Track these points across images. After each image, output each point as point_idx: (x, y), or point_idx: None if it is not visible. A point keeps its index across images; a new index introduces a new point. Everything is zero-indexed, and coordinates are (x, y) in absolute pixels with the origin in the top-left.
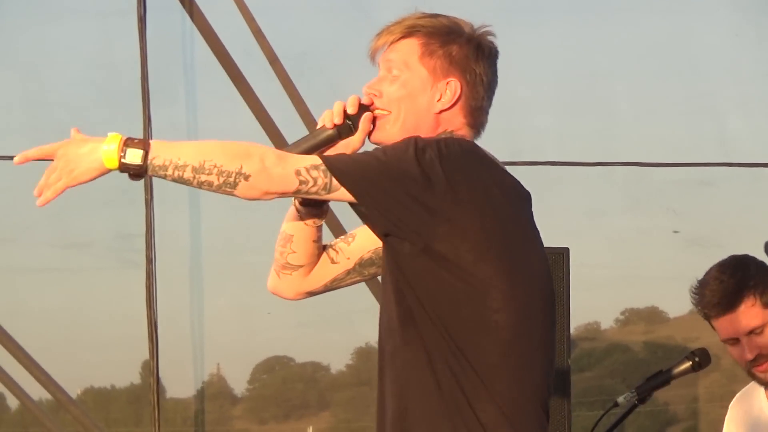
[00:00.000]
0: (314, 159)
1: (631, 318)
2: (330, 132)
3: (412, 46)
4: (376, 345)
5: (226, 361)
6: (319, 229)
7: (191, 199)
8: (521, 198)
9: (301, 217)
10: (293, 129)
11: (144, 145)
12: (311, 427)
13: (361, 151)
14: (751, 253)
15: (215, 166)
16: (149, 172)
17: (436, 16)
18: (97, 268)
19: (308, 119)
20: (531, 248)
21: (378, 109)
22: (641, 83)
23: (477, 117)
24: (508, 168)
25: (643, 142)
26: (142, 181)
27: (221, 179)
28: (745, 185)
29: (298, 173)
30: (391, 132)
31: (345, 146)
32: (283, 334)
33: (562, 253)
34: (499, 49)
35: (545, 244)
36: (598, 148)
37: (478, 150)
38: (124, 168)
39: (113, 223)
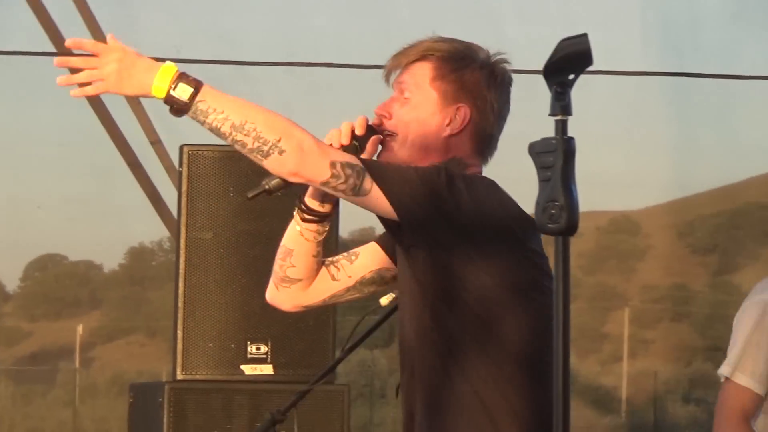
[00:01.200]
0: (351, 157)
1: None
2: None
3: (424, 69)
4: (149, 245)
5: None
6: (320, 244)
7: None
8: (533, 230)
9: (303, 232)
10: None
11: (196, 84)
12: (81, 326)
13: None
14: None
15: (255, 130)
16: (190, 113)
17: (452, 40)
18: None
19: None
20: (544, 279)
21: (386, 130)
22: None
23: (486, 144)
24: (283, 68)
25: None
26: None
27: (256, 144)
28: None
29: (333, 165)
30: (399, 154)
31: None
32: (55, 231)
33: None
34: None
35: None
36: (374, 51)
37: (498, 188)
38: (169, 99)
39: None
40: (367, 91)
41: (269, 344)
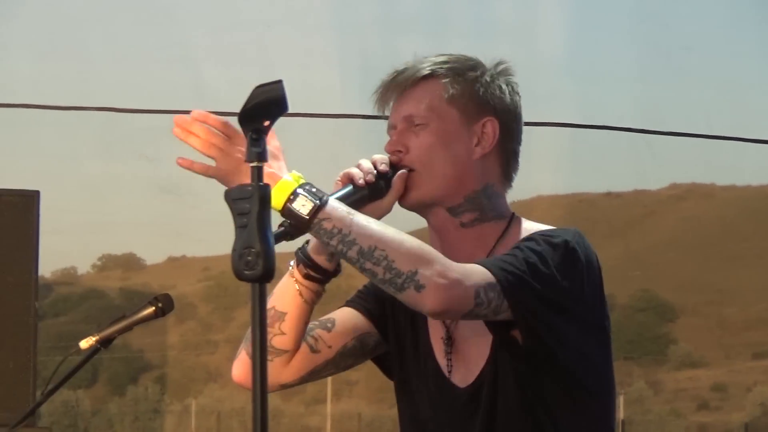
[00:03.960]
0: (489, 275)
1: (108, 264)
2: (363, 192)
3: (435, 87)
4: None
5: None
6: (312, 308)
7: None
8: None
9: (302, 291)
10: None
11: (320, 198)
12: None
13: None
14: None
15: (386, 258)
16: (312, 231)
17: (450, 54)
18: None
19: None
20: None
21: (407, 167)
22: (117, 29)
23: (513, 163)
24: None
25: (118, 87)
26: None
27: (387, 275)
28: None
29: (477, 294)
30: (429, 189)
31: (373, 209)
32: None
33: (33, 196)
34: None
35: (15, 186)
36: (73, 92)
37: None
38: (287, 213)
39: None
40: (66, 131)
41: None
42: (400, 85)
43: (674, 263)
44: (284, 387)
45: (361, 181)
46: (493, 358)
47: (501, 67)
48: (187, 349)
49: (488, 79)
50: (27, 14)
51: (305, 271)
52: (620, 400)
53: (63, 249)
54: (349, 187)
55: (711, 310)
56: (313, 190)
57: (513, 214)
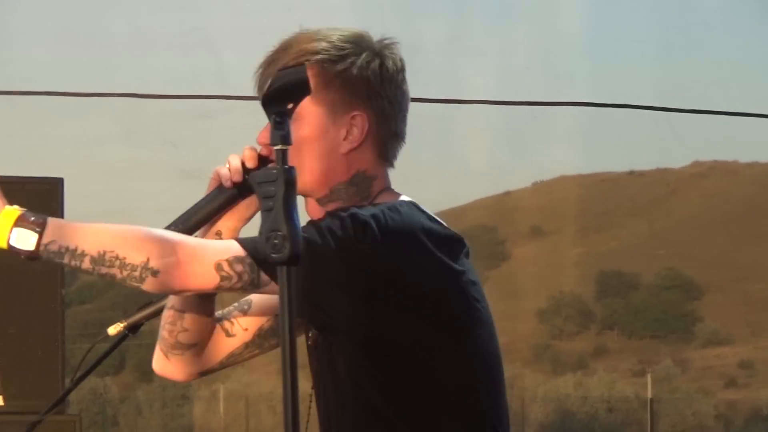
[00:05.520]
0: (235, 249)
1: None
2: (230, 193)
3: None
4: None
5: None
6: (214, 301)
7: None
8: (457, 251)
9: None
10: None
11: (40, 225)
12: None
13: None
14: None
15: (117, 258)
16: (44, 258)
17: (328, 35)
18: None
19: None
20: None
21: None
22: (138, 14)
23: (390, 146)
24: (3, 97)
25: (140, 73)
26: None
27: (124, 273)
28: (241, 118)
29: (219, 268)
30: (299, 183)
31: (246, 207)
32: None
33: (57, 184)
34: None
35: (39, 174)
36: (95, 78)
37: (418, 219)
38: (13, 251)
39: None
40: (89, 118)
41: None
42: (268, 77)
43: (699, 241)
44: (204, 374)
45: (228, 183)
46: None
47: (381, 45)
48: None
49: (362, 65)
50: (45, 0)
51: None
52: (648, 379)
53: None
54: (216, 191)
55: (736, 287)
56: (30, 219)
57: (379, 192)
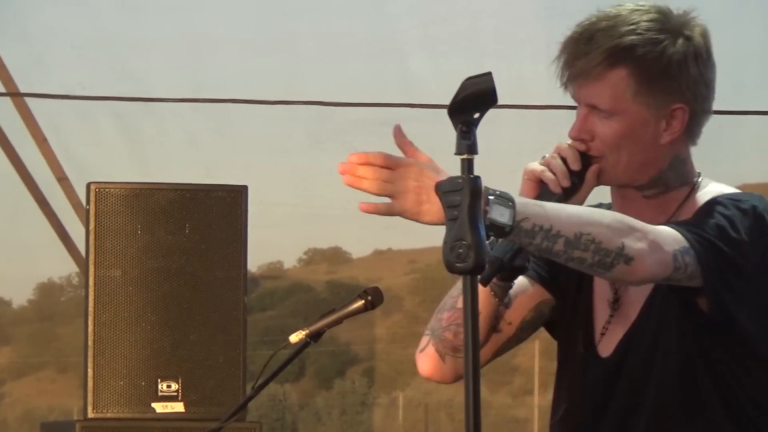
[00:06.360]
0: (682, 240)
1: (315, 257)
2: (559, 196)
3: (620, 79)
4: (58, 280)
5: None
6: (504, 297)
7: None
8: None
9: (493, 288)
10: None
11: (510, 202)
12: None
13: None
14: None
15: (593, 242)
16: (512, 235)
17: (636, 21)
18: None
19: None
20: None
21: (594, 155)
22: (326, 22)
23: (701, 126)
24: (189, 104)
25: (326, 80)
26: None
27: (596, 258)
28: (427, 126)
29: (675, 258)
30: (616, 176)
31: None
32: None
33: (241, 191)
34: None
35: (223, 182)
36: (281, 86)
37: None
38: (487, 225)
39: None
40: (275, 125)
41: (180, 381)
42: (585, 69)
43: None
44: None
45: (558, 189)
46: (643, 325)
47: (685, 20)
48: (394, 342)
49: (678, 54)
50: (234, 8)
51: (500, 275)
52: None
53: (271, 243)
54: (545, 193)
55: None
56: (498, 193)
57: (698, 177)
